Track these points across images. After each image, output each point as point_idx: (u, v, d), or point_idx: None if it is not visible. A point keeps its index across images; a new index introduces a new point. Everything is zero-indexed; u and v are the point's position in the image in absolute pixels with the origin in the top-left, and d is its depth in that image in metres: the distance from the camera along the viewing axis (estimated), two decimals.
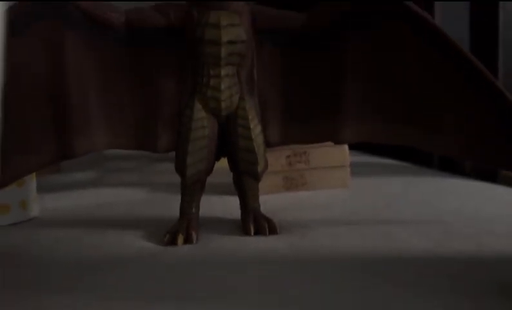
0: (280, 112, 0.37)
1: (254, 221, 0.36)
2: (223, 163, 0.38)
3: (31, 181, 0.41)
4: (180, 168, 0.35)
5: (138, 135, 0.35)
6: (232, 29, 0.33)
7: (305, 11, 0.36)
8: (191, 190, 0.36)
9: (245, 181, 0.37)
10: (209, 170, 0.36)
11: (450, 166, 0.63)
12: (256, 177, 0.37)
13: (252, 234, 0.35)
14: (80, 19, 0.32)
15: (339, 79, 0.36)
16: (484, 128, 0.33)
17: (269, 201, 0.44)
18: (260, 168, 0.36)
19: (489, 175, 0.55)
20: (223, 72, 0.34)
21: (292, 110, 0.37)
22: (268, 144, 0.37)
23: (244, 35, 0.34)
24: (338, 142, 0.37)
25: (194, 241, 0.34)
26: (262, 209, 0.38)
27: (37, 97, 0.32)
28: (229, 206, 0.44)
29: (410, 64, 0.34)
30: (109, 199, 0.50)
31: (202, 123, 0.34)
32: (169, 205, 0.45)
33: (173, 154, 0.36)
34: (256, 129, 0.36)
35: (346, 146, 0.51)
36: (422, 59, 0.34)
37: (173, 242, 0.33)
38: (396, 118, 0.36)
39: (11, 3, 0.28)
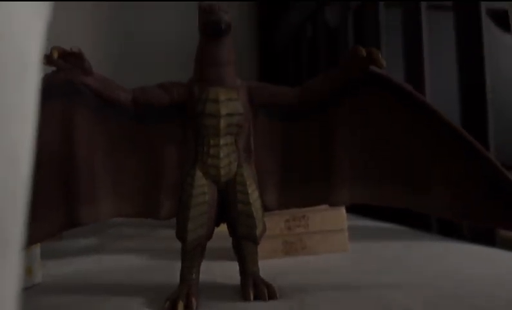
0: (276, 177, 0.39)
1: (253, 286, 0.36)
2: (222, 227, 0.39)
3: (36, 247, 0.42)
4: (181, 234, 0.36)
5: (143, 204, 0.37)
6: (230, 103, 0.36)
7: (299, 86, 0.38)
8: (192, 255, 0.36)
9: (244, 246, 0.37)
10: (209, 236, 0.37)
11: (448, 230, 0.64)
12: (255, 241, 0.37)
13: (251, 299, 0.36)
14: (91, 97, 0.35)
15: (332, 146, 0.37)
16: (474, 189, 0.34)
17: (269, 266, 0.44)
18: (258, 232, 0.37)
19: (487, 238, 0.55)
20: (222, 141, 0.36)
21: (288, 175, 0.39)
22: (266, 209, 0.38)
23: (242, 108, 0.36)
24: (333, 205, 0.38)
25: (194, 308, 0.34)
26: (262, 274, 0.38)
27: (47, 168, 0.33)
28: (228, 271, 0.44)
29: (399, 131, 0.36)
30: (110, 266, 0.50)
31: (203, 190, 0.36)
32: (170, 271, 0.45)
33: (172, 220, 0.37)
34: (254, 194, 0.37)
35: (344, 210, 0.52)
36: (410, 127, 0.36)
37: (173, 309, 0.34)
38: (388, 181, 0.37)
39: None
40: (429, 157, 0.36)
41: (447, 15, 0.67)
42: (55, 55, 0.32)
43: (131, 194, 0.37)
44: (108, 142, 0.36)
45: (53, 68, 0.33)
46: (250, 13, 1.42)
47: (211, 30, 0.35)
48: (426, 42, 0.69)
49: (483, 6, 0.61)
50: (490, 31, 0.63)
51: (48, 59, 0.32)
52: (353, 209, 0.69)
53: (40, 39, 0.16)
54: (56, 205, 0.34)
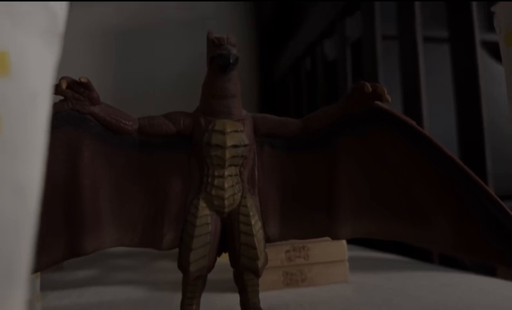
0: (279, 208, 0.39)
1: None
2: (223, 258, 0.38)
3: (36, 279, 0.42)
4: (184, 265, 0.36)
5: (145, 233, 0.36)
6: (236, 135, 0.36)
7: (303, 118, 0.38)
8: (193, 286, 0.36)
9: (245, 277, 0.37)
10: (211, 267, 0.37)
11: (450, 260, 0.63)
12: (257, 273, 0.37)
13: None
14: (97, 126, 0.35)
15: (335, 179, 0.37)
16: (477, 225, 0.34)
17: (269, 298, 0.44)
18: (260, 264, 0.37)
19: (489, 269, 0.55)
20: (227, 172, 0.36)
21: (290, 207, 0.38)
22: (268, 240, 0.38)
23: (246, 139, 0.37)
24: (335, 238, 0.38)
25: None
26: (262, 305, 0.38)
27: (50, 197, 0.33)
28: (229, 303, 0.44)
29: (404, 166, 0.36)
30: (109, 298, 0.50)
31: (206, 220, 0.36)
32: (169, 303, 0.45)
33: (170, 251, 0.37)
34: (256, 225, 0.37)
35: (344, 241, 0.52)
36: (414, 162, 0.35)
37: None
38: (391, 216, 0.37)
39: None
40: (432, 193, 0.35)
41: (444, 47, 0.69)
42: (64, 85, 0.32)
43: (134, 223, 0.36)
44: (113, 171, 0.36)
45: (61, 97, 0.34)
46: (251, 45, 1.45)
47: (220, 64, 0.35)
48: (423, 74, 0.70)
49: (479, 38, 0.62)
50: (485, 63, 0.65)
51: (56, 89, 0.32)
52: (353, 240, 0.69)
53: (51, 75, 0.17)
54: (59, 234, 0.34)
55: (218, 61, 0.35)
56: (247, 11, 1.45)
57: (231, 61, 0.35)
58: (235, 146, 0.36)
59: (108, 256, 0.78)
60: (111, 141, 0.36)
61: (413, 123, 0.35)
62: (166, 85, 1.33)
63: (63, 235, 0.34)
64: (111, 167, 0.36)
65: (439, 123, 0.71)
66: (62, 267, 0.68)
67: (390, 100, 0.34)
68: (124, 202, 0.36)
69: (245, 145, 0.36)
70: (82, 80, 0.33)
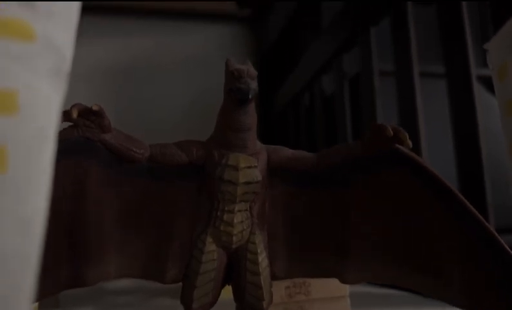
0: (287, 245, 0.38)
1: None
2: (224, 295, 0.38)
3: None
4: (186, 301, 0.35)
5: (149, 265, 0.36)
6: (249, 171, 0.35)
7: (317, 153, 0.38)
8: None
9: None
10: (214, 303, 0.36)
11: None
12: None
13: None
14: (106, 154, 0.34)
15: (346, 221, 0.36)
16: (485, 278, 0.32)
17: None
18: (265, 304, 0.36)
19: None
20: (237, 207, 0.35)
21: (299, 245, 0.38)
22: (274, 277, 0.37)
23: (260, 176, 0.36)
24: (344, 282, 0.37)
25: None
26: None
27: (54, 225, 0.32)
28: None
29: (413, 210, 0.35)
30: None
31: (212, 256, 0.35)
32: None
33: (169, 288, 0.36)
34: (263, 263, 0.36)
35: None
36: (424, 205, 0.34)
37: None
38: (400, 262, 0.36)
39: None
40: (447, 244, 0.34)
41: (441, 81, 0.70)
42: (75, 114, 0.31)
43: (138, 254, 0.35)
44: (118, 201, 0.35)
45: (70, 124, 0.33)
46: None
47: (237, 98, 0.34)
48: (421, 109, 0.71)
49: (475, 73, 0.64)
50: (481, 96, 0.66)
51: (66, 117, 0.31)
52: None
53: (57, 113, 0.17)
54: (62, 262, 0.33)
55: (236, 94, 0.34)
56: (248, 46, 1.48)
57: (249, 96, 0.33)
58: (247, 183, 0.35)
59: (105, 292, 0.77)
60: (119, 170, 0.35)
61: (432, 169, 0.34)
62: (171, 121, 1.34)
63: (65, 264, 0.33)
64: (117, 197, 0.35)
65: (438, 156, 0.71)
66: (59, 304, 0.67)
67: (411, 145, 0.33)
68: (129, 232, 0.35)
69: (257, 182, 0.35)
70: (94, 108, 0.32)
